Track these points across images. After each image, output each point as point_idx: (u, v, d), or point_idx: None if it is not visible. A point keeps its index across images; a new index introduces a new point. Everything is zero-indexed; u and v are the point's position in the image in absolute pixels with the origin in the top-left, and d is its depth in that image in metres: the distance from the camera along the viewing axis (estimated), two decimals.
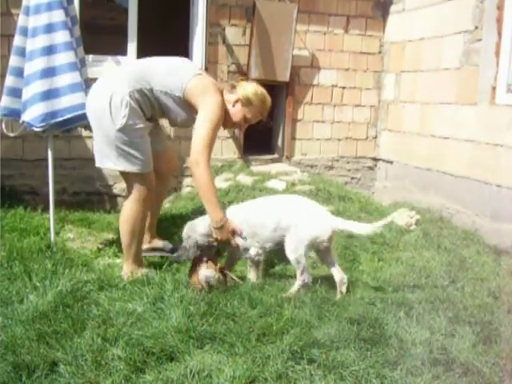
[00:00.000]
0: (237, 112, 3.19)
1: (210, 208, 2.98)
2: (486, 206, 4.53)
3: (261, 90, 3.20)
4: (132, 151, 3.06)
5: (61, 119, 3.31)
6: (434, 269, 3.52)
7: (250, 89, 3.17)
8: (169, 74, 3.12)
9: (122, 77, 3.12)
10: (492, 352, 2.46)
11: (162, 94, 3.10)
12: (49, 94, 3.27)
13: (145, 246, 3.58)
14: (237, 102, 3.17)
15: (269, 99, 3.25)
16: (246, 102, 3.16)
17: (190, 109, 3.13)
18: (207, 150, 2.97)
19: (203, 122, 3.01)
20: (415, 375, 2.22)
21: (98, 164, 3.19)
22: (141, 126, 3.08)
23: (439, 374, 2.24)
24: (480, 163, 4.61)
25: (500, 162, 4.39)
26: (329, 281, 3.23)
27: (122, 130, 3.01)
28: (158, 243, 3.75)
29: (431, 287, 3.20)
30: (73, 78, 3.31)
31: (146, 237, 3.62)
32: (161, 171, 3.44)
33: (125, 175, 3.20)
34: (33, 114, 3.27)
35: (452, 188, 4.97)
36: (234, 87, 3.24)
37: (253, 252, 3.07)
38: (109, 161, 3.11)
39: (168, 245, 3.73)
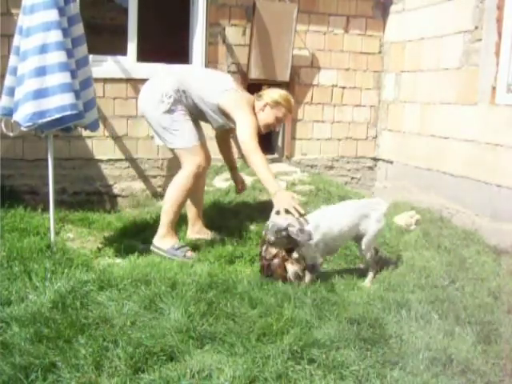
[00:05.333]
0: (268, 114, 3.66)
1: (266, 183, 3.40)
2: (486, 206, 4.53)
3: (283, 92, 3.74)
4: (174, 129, 3.59)
5: (49, 119, 3.28)
6: (433, 269, 3.51)
7: (274, 92, 3.70)
8: (205, 82, 3.69)
9: (168, 76, 3.69)
10: (492, 352, 2.46)
11: (198, 98, 3.64)
12: (38, 94, 3.24)
13: (193, 236, 3.94)
14: (265, 106, 3.65)
15: (291, 98, 3.76)
16: (274, 104, 3.65)
17: (224, 115, 3.65)
18: (255, 139, 3.46)
19: (245, 123, 3.50)
20: (415, 375, 2.23)
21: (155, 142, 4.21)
22: (182, 110, 3.61)
23: (439, 374, 2.25)
24: (480, 163, 4.61)
25: (500, 162, 4.39)
26: (329, 281, 3.24)
27: (165, 113, 3.57)
28: (207, 234, 3.97)
29: (431, 287, 3.20)
30: (63, 78, 3.27)
31: (195, 227, 3.96)
32: None
33: (176, 152, 3.72)
34: (22, 113, 3.26)
35: (452, 188, 4.97)
36: (260, 96, 3.69)
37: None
38: (158, 139, 3.86)
39: (215, 236, 3.95)
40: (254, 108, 3.66)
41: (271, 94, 3.69)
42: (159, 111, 3.59)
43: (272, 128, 3.79)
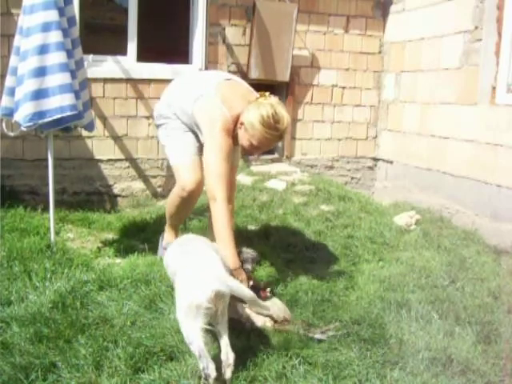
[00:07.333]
0: (241, 137, 2.82)
1: (222, 247, 2.62)
2: (486, 206, 4.52)
3: (270, 112, 2.68)
4: (166, 145, 3.22)
5: (49, 119, 3.29)
6: (434, 269, 3.51)
7: (253, 112, 2.72)
8: (186, 88, 3.08)
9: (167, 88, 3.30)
10: (492, 352, 2.46)
11: (180, 110, 3.06)
12: (38, 94, 3.24)
13: None
14: (241, 124, 2.80)
15: (282, 122, 2.71)
16: (248, 127, 2.74)
17: None
18: (221, 182, 2.71)
19: (210, 154, 2.77)
20: (415, 375, 2.23)
21: None
22: (173, 125, 3.13)
23: (439, 374, 2.25)
24: (480, 163, 4.61)
25: (500, 162, 4.39)
26: (329, 281, 3.23)
27: (157, 127, 3.29)
28: None
29: (431, 287, 3.20)
30: (63, 78, 3.27)
31: None
32: None
33: None
34: (22, 113, 3.26)
35: (452, 188, 4.97)
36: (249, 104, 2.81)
37: None
38: None
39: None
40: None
41: (251, 112, 2.73)
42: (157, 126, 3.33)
43: (249, 153, 3.06)
